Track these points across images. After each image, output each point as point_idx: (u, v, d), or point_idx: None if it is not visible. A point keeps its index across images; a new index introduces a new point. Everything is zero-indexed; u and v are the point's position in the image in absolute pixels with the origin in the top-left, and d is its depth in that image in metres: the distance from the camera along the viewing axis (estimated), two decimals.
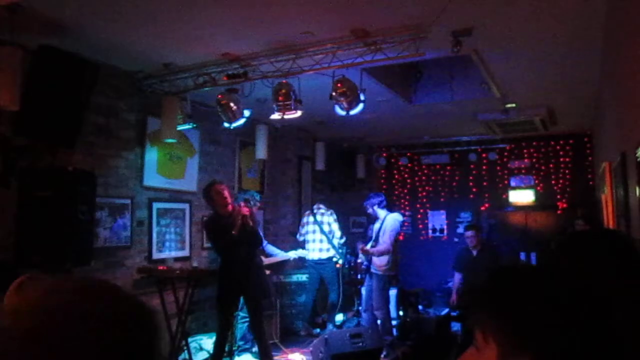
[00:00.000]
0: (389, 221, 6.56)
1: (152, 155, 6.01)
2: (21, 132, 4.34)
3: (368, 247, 6.62)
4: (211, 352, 5.96)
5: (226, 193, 5.38)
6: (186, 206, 6.60)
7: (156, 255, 6.02)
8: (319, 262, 7.38)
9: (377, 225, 6.68)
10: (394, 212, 6.95)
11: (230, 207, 5.37)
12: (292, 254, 7.40)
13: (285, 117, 5.15)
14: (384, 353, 5.92)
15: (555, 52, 5.10)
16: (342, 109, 4.99)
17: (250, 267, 5.38)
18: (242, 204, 5.46)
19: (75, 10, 4.09)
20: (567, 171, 9.37)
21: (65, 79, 4.44)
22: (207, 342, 6.23)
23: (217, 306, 5.42)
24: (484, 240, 7.25)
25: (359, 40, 4.59)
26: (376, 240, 6.51)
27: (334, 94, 4.90)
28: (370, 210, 6.76)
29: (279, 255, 7.02)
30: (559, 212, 9.35)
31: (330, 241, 7.40)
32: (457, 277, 7.13)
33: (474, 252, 6.88)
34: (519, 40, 4.81)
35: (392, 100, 6.78)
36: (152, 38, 4.74)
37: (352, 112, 5.01)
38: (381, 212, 6.68)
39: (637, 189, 2.92)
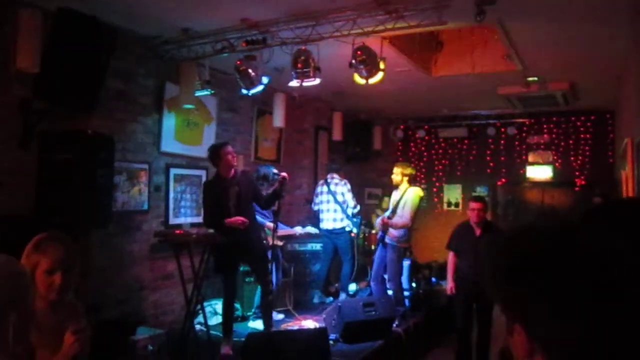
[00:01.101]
0: (410, 195, 6.51)
1: (169, 122, 6.02)
2: (41, 95, 4.36)
3: (385, 216, 6.60)
4: None
5: (234, 155, 5.42)
6: (202, 173, 6.63)
7: (172, 220, 6.08)
8: (333, 232, 7.40)
9: (396, 196, 6.62)
10: (414, 186, 6.84)
11: (233, 171, 5.37)
12: (299, 229, 7.45)
13: (304, 84, 5.11)
14: (396, 323, 5.96)
15: (581, 24, 4.97)
16: (361, 77, 4.94)
17: (253, 229, 5.43)
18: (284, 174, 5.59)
19: None
20: (586, 148, 9.23)
21: (85, 42, 4.42)
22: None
23: (221, 272, 5.41)
24: (488, 221, 5.92)
25: (380, 8, 4.51)
26: (394, 211, 6.49)
27: (353, 61, 4.84)
28: (398, 177, 6.68)
29: (286, 229, 7.10)
30: (576, 189, 9.25)
31: (344, 211, 7.40)
32: (452, 258, 5.85)
33: (477, 231, 5.61)
34: (543, 10, 4.69)
35: (412, 71, 6.69)
36: (170, 3, 4.69)
37: (372, 81, 4.95)
38: (404, 184, 6.64)
39: None
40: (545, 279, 0.85)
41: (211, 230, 5.37)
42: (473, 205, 5.68)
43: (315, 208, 7.62)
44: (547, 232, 0.94)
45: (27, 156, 4.37)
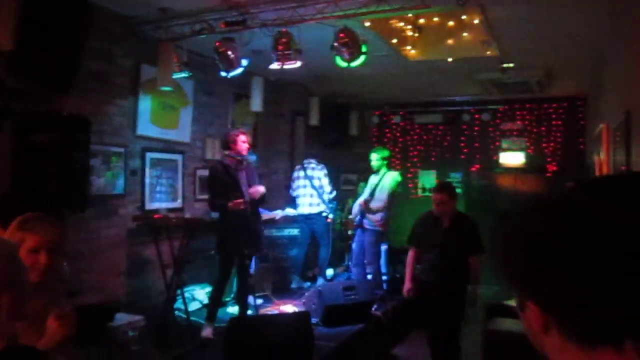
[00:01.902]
0: (387, 179, 6.56)
1: (146, 104, 5.90)
2: (15, 73, 4.19)
3: (359, 201, 6.65)
4: (204, 302, 6.03)
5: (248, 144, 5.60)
6: (179, 157, 6.53)
7: (149, 205, 5.97)
8: (310, 217, 7.40)
9: (374, 180, 6.67)
10: (394, 170, 6.89)
11: (239, 159, 5.49)
12: (279, 212, 7.43)
13: (285, 67, 5.06)
14: (375, 306, 6.01)
15: (561, 9, 5.02)
16: (343, 59, 4.91)
17: (258, 221, 5.56)
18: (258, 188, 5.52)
19: None
20: (558, 134, 9.41)
21: (60, 19, 4.28)
22: (200, 292, 6.28)
23: (226, 255, 5.39)
24: (459, 211, 4.97)
25: None
26: (372, 195, 6.52)
27: (335, 44, 4.81)
28: (378, 162, 6.70)
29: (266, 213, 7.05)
30: (548, 174, 9.43)
31: (320, 196, 7.40)
32: (413, 255, 5.06)
33: (445, 223, 4.75)
34: None
35: (390, 55, 6.68)
36: None
37: (354, 64, 4.93)
38: (384, 169, 6.67)
39: None
40: (567, 255, 0.85)
41: (188, 216, 5.31)
42: (435, 196, 4.74)
43: (293, 194, 7.60)
44: (560, 208, 0.94)
45: (1, 137, 4.22)
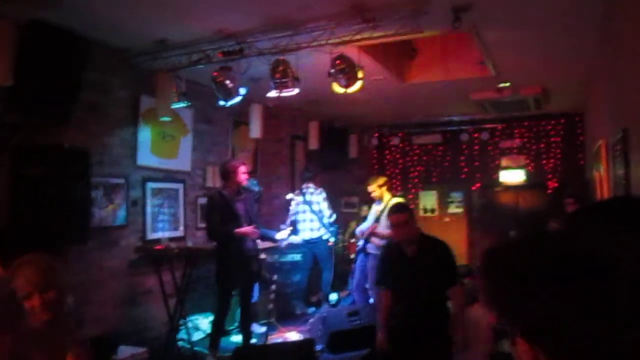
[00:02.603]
0: None
1: (145, 134, 5.93)
2: (13, 108, 4.23)
3: (364, 226, 6.62)
4: (207, 331, 5.98)
5: (248, 175, 5.65)
6: (180, 186, 6.54)
7: (150, 235, 5.96)
8: (311, 242, 7.38)
9: (379, 208, 6.62)
10: (396, 196, 6.89)
11: (238, 189, 5.54)
12: (282, 235, 7.37)
13: (283, 94, 5.09)
14: None
15: (553, 30, 5.08)
16: (340, 86, 4.94)
17: (258, 250, 5.57)
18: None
19: None
20: (557, 151, 9.43)
21: (57, 54, 4.34)
22: (203, 322, 6.23)
23: (223, 286, 5.37)
24: (425, 235, 4.07)
25: (357, 16, 4.52)
26: (377, 220, 6.50)
27: (332, 70, 4.85)
28: (377, 192, 6.68)
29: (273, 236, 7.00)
30: (549, 191, 9.43)
31: (320, 220, 7.39)
32: (384, 297, 4.19)
33: (409, 253, 3.90)
34: (517, 16, 4.77)
35: (387, 79, 6.73)
36: (145, 13, 4.63)
37: (351, 90, 4.96)
38: (386, 195, 6.66)
39: None
40: (551, 291, 0.86)
41: (190, 244, 5.29)
42: (394, 219, 3.92)
43: (292, 219, 7.58)
44: (541, 244, 0.95)
45: None
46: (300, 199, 7.49)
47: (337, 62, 4.79)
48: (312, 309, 7.26)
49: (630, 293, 0.85)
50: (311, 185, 7.56)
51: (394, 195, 6.75)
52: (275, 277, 6.21)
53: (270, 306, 6.03)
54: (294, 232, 7.54)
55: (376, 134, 10.34)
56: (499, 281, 0.94)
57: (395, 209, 4.05)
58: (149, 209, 5.97)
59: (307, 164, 8.70)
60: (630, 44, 3.28)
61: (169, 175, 6.35)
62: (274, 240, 6.59)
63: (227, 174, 5.49)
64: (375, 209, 6.72)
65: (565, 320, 0.84)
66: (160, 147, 6.19)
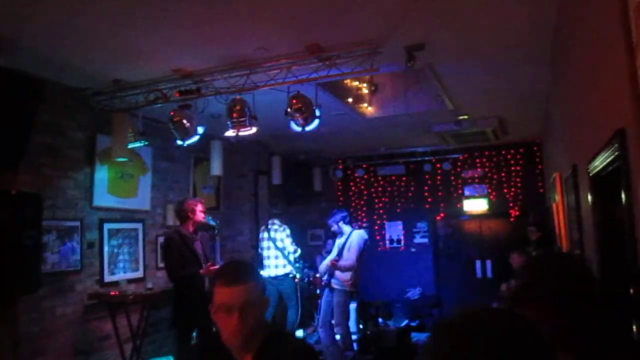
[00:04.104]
0: (354, 237, 6.53)
1: (102, 175, 5.80)
2: None
3: (328, 259, 6.57)
4: None
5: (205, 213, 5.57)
6: (139, 225, 6.40)
7: (108, 278, 5.78)
8: (276, 278, 7.29)
9: (341, 240, 6.62)
10: (355, 228, 6.89)
11: (193, 227, 5.48)
12: None
13: (240, 133, 5.06)
14: None
15: (506, 64, 5.20)
16: (298, 124, 4.95)
17: None
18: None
19: (21, 25, 3.92)
20: (518, 179, 9.59)
21: (7, 96, 4.22)
22: None
23: (182, 328, 5.22)
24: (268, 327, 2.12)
25: (313, 56, 4.56)
26: (339, 255, 6.46)
27: (289, 110, 4.85)
28: (335, 227, 6.70)
29: None
30: (512, 219, 9.55)
31: (285, 257, 7.32)
32: None
33: None
34: (470, 53, 4.89)
35: (348, 114, 6.79)
36: (101, 54, 4.58)
37: (308, 128, 4.97)
38: (346, 228, 6.65)
39: (590, 197, 3.01)
40: None
41: (150, 286, 5.13)
42: (225, 297, 1.87)
43: (260, 253, 7.50)
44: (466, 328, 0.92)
45: None
46: (265, 235, 7.42)
47: (294, 101, 4.80)
48: None
49: None
50: (277, 221, 7.51)
51: (354, 228, 6.74)
52: None
53: None
54: (260, 267, 7.45)
55: (340, 167, 10.37)
56: None
57: (227, 273, 1.95)
58: (106, 251, 5.81)
59: (271, 199, 8.65)
60: (575, 81, 3.37)
61: (127, 215, 6.21)
62: None
63: (185, 213, 5.42)
64: (338, 241, 6.70)
65: None
66: (118, 187, 6.06)
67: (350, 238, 6.52)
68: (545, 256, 2.43)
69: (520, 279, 1.68)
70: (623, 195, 2.07)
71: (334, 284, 6.51)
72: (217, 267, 5.20)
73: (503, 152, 9.65)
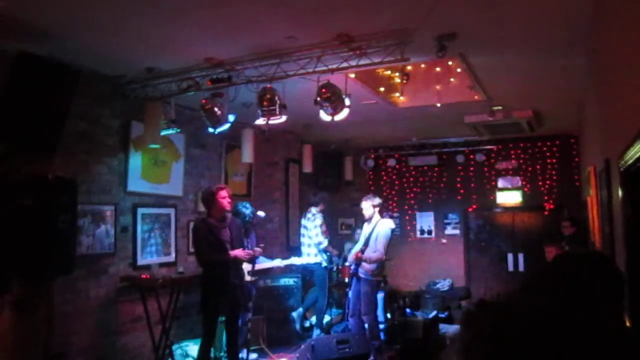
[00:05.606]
0: (381, 227, 6.50)
1: (136, 161, 5.94)
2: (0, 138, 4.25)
3: (356, 250, 6.58)
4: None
5: (229, 199, 5.48)
6: (171, 211, 6.53)
7: (141, 261, 5.94)
8: (307, 267, 7.38)
9: (367, 229, 6.60)
10: (384, 217, 6.86)
11: (224, 215, 5.46)
12: (278, 261, 7.34)
13: (270, 122, 5.10)
14: (371, 358, 5.88)
15: (540, 55, 5.08)
16: (327, 114, 4.95)
17: (242, 276, 5.49)
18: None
19: (57, 16, 4.03)
20: (553, 172, 9.39)
21: (45, 85, 4.34)
22: (193, 348, 6.15)
23: (208, 314, 5.30)
24: None
25: (343, 46, 4.55)
26: (366, 244, 6.46)
27: (318, 99, 4.86)
28: (370, 211, 6.65)
29: (267, 262, 6.96)
30: (545, 213, 9.38)
31: (316, 245, 7.40)
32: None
33: None
34: (503, 43, 4.80)
35: (379, 103, 6.75)
36: (134, 43, 4.67)
37: (337, 118, 4.97)
38: (376, 216, 6.63)
39: (620, 192, 2.95)
40: None
41: (181, 270, 5.25)
42: None
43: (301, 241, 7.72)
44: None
45: None
46: (303, 222, 7.58)
47: (323, 90, 4.80)
48: (308, 333, 7.22)
49: None
50: (313, 209, 7.60)
51: (382, 217, 6.72)
52: (250, 304, 6.10)
53: (248, 335, 5.93)
54: (298, 254, 7.55)
55: (372, 156, 10.33)
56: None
57: None
58: (139, 235, 5.96)
59: (302, 188, 8.74)
60: (614, 72, 3.27)
61: (160, 201, 6.35)
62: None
63: (208, 201, 5.42)
64: (364, 230, 6.69)
65: None
66: (151, 173, 6.19)
67: (377, 228, 6.50)
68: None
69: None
70: None
71: (361, 273, 6.53)
72: (239, 251, 5.28)
73: (539, 144, 9.45)
